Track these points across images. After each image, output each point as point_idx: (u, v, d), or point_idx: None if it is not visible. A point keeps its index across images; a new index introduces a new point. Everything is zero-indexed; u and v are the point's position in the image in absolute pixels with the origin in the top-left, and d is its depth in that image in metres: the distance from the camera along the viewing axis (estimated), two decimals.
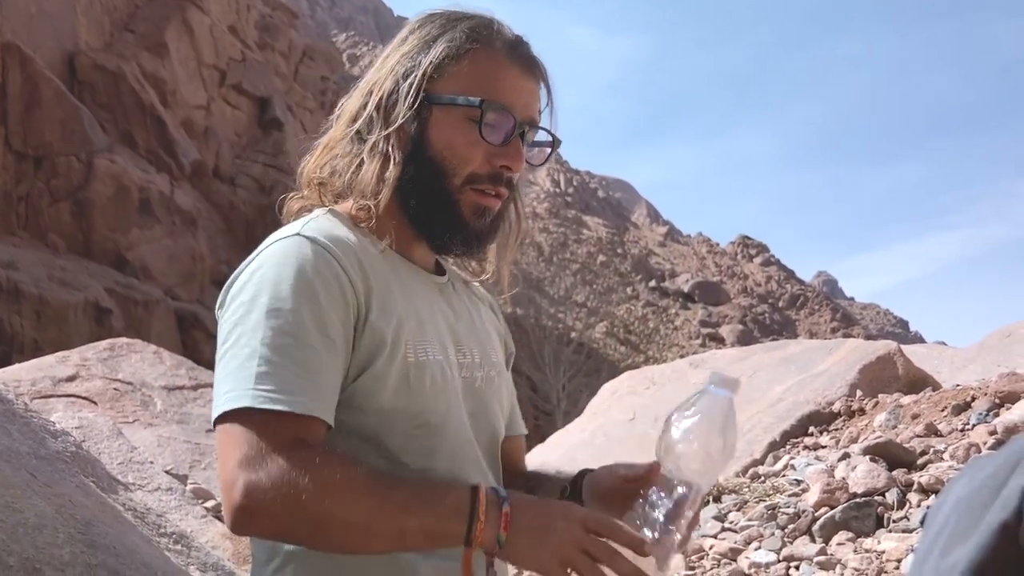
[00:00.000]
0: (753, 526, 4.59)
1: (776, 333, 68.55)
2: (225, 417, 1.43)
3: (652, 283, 74.83)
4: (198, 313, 27.96)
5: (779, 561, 4.18)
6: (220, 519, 5.16)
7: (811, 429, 6.41)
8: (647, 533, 1.41)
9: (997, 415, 4.91)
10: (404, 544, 1.41)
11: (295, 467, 1.36)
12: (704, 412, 1.44)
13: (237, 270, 1.59)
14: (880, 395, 6.37)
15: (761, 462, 6.11)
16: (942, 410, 5.44)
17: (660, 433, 1.47)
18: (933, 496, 4.19)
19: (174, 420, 6.54)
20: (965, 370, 8.91)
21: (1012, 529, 0.93)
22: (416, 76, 1.62)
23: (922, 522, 3.93)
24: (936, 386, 6.68)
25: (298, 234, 1.55)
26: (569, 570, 1.39)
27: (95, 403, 6.34)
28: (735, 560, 4.36)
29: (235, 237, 32.00)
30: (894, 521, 4.15)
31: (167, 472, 4.93)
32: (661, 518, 1.42)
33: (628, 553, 1.37)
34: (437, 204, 1.65)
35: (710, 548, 4.53)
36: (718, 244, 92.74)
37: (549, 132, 1.75)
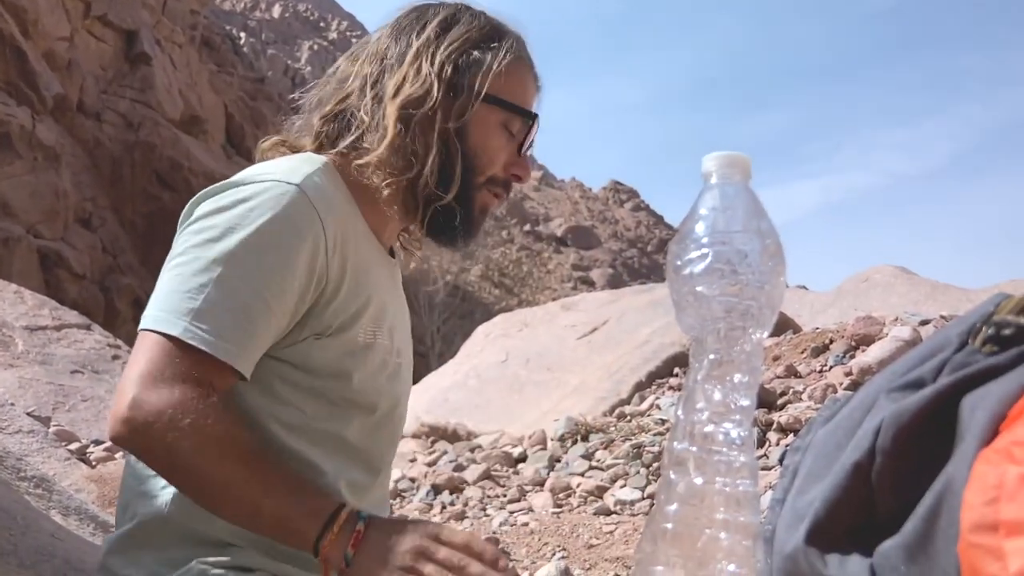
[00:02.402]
0: (619, 464, 4.69)
1: (645, 277, 69.66)
2: (150, 331, 1.42)
3: (527, 227, 75.17)
4: (62, 251, 27.03)
5: (644, 498, 4.28)
6: (84, 462, 5.04)
7: (676, 370, 6.56)
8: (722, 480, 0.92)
9: (853, 357, 5.09)
10: (255, 523, 1.40)
11: (186, 403, 1.36)
12: (722, 207, 0.93)
13: (214, 188, 1.55)
14: None
15: (627, 402, 6.24)
16: (801, 352, 5.61)
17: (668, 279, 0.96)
18: (792, 435, 4.33)
19: (36, 361, 6.35)
20: (824, 314, 9.23)
21: (865, 469, 0.97)
22: (487, 72, 1.67)
23: (781, 461, 4.07)
24: (796, 329, 6.89)
25: (298, 186, 1.53)
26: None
27: None
28: (601, 497, 4.45)
29: (100, 174, 30.95)
30: None
31: (29, 414, 4.79)
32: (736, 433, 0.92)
33: None
34: (458, 196, 1.67)
35: (577, 486, 4.61)
36: (591, 189, 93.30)
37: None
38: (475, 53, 1.68)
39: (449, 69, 1.65)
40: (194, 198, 1.56)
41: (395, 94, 1.64)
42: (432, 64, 1.65)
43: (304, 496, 1.39)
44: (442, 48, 1.67)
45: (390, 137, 1.62)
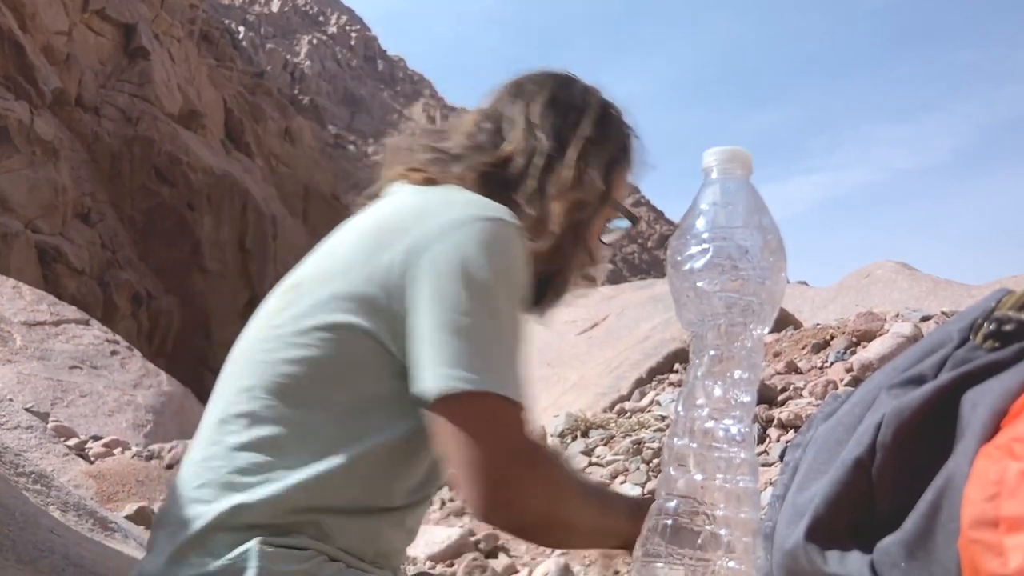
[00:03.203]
0: (619, 460, 4.69)
1: (645, 272, 69.64)
2: (481, 395, 1.42)
3: None
4: (61, 247, 26.99)
5: (644, 494, 4.28)
6: (83, 457, 5.04)
7: (676, 366, 6.55)
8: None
9: (854, 353, 5.09)
10: (595, 542, 1.54)
11: (551, 473, 1.45)
12: (723, 202, 0.92)
13: (447, 227, 1.53)
14: None
15: (627, 398, 6.23)
16: (802, 348, 5.61)
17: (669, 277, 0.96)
18: (792, 432, 4.33)
19: (35, 356, 6.35)
20: (825, 309, 9.23)
21: (866, 465, 0.96)
22: (624, 181, 1.80)
23: (781, 457, 4.06)
24: (797, 325, 6.89)
25: (517, 227, 1.57)
26: None
27: None
28: None
29: (99, 169, 30.91)
30: None
31: (27, 410, 4.79)
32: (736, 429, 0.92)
33: None
34: (568, 280, 1.80)
35: None
36: None
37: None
38: (621, 162, 1.78)
39: (605, 180, 1.73)
40: (433, 232, 1.53)
41: (559, 194, 1.69)
42: (595, 171, 1.71)
43: (620, 503, 1.53)
44: (602, 157, 1.73)
45: (554, 239, 1.69)
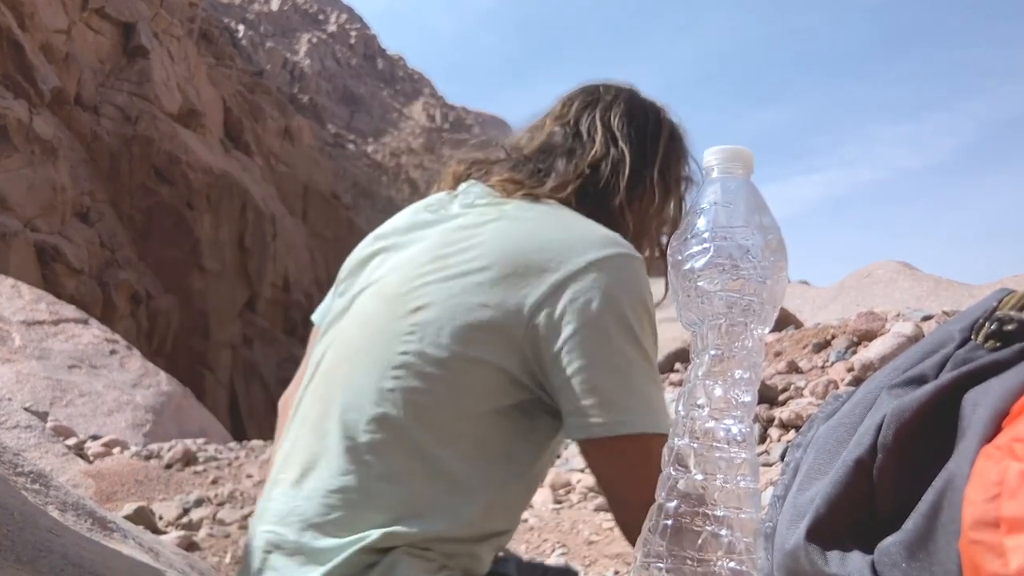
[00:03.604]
0: None
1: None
2: (648, 436, 1.47)
3: None
4: (60, 246, 26.96)
5: None
6: (82, 456, 5.04)
7: (677, 365, 6.56)
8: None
9: (855, 353, 5.09)
10: None
11: None
12: (724, 201, 0.91)
13: (588, 267, 1.56)
14: None
15: None
16: (803, 348, 5.61)
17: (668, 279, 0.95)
18: (793, 431, 4.33)
19: (33, 356, 6.34)
20: (826, 309, 9.25)
21: (866, 465, 0.96)
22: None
23: (782, 457, 4.06)
24: (798, 324, 6.90)
25: (641, 259, 1.63)
26: None
27: None
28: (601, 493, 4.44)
29: (98, 168, 30.89)
30: None
31: (26, 409, 4.79)
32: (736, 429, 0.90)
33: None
34: None
35: (577, 482, 4.61)
36: None
37: None
38: (689, 184, 1.87)
39: (679, 204, 1.84)
40: (575, 272, 1.56)
41: (646, 216, 1.81)
42: (675, 193, 1.84)
43: None
44: (681, 174, 1.85)
45: (647, 253, 1.80)
